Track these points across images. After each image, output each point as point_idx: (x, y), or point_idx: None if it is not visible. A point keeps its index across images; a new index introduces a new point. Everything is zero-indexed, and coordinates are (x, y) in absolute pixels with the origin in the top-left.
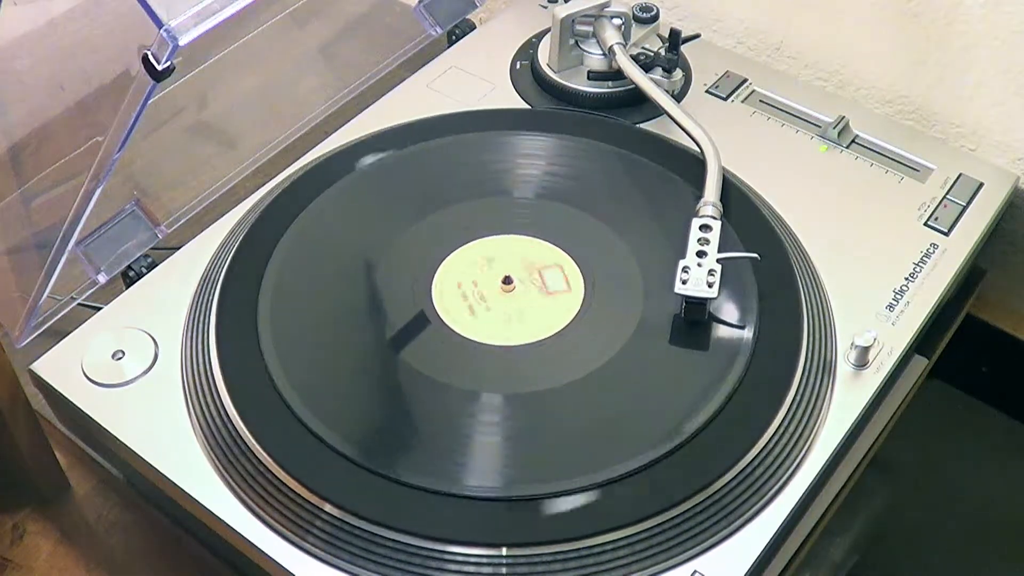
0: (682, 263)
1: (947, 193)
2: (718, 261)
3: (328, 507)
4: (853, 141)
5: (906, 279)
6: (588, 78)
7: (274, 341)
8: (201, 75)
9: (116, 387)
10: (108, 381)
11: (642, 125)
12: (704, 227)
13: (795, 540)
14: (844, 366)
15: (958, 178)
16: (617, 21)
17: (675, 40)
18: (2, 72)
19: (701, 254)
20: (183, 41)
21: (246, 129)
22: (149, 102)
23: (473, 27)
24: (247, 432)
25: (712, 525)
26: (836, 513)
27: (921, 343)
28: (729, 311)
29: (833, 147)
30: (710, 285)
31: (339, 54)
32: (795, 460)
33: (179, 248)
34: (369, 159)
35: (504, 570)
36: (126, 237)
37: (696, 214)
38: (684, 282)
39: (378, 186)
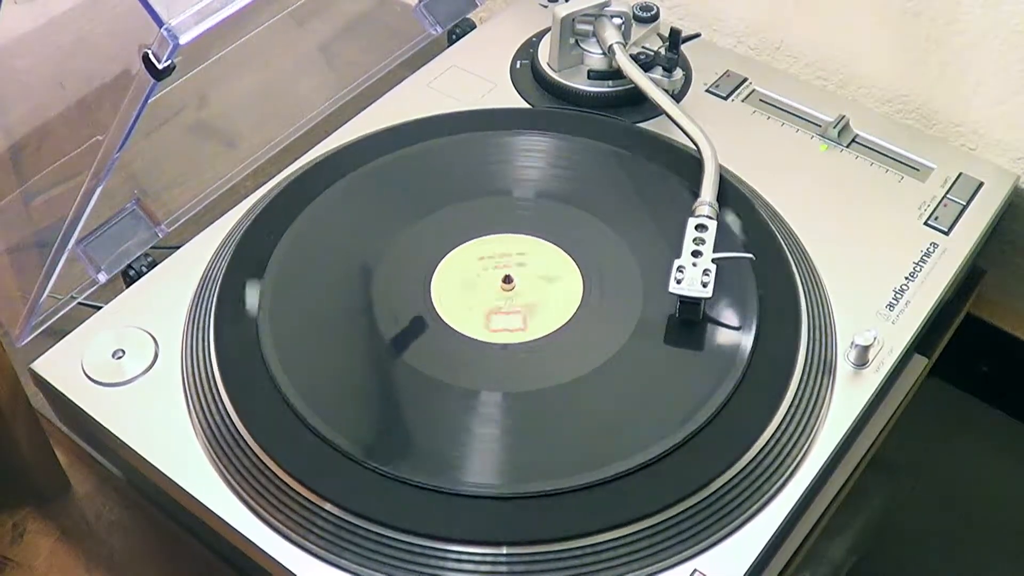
0: (677, 263)
1: (947, 192)
2: (713, 261)
3: (329, 506)
4: (853, 140)
5: (906, 278)
6: (588, 77)
7: (274, 340)
8: (201, 74)
9: (116, 386)
10: (108, 380)
11: (642, 124)
12: (700, 227)
13: (795, 539)
14: (844, 365)
15: (958, 177)
16: (617, 20)
17: (675, 39)
18: (2, 71)
19: (696, 254)
20: (184, 40)
21: (246, 128)
22: (149, 101)
23: (473, 26)
24: (247, 431)
25: (712, 524)
26: (836, 512)
27: (921, 342)
28: (729, 310)
29: (833, 146)
30: (704, 285)
31: (339, 53)
32: (795, 459)
33: (179, 247)
34: (369, 158)
35: (504, 568)
36: (126, 236)
37: (692, 214)
38: (679, 282)
39: (378, 185)
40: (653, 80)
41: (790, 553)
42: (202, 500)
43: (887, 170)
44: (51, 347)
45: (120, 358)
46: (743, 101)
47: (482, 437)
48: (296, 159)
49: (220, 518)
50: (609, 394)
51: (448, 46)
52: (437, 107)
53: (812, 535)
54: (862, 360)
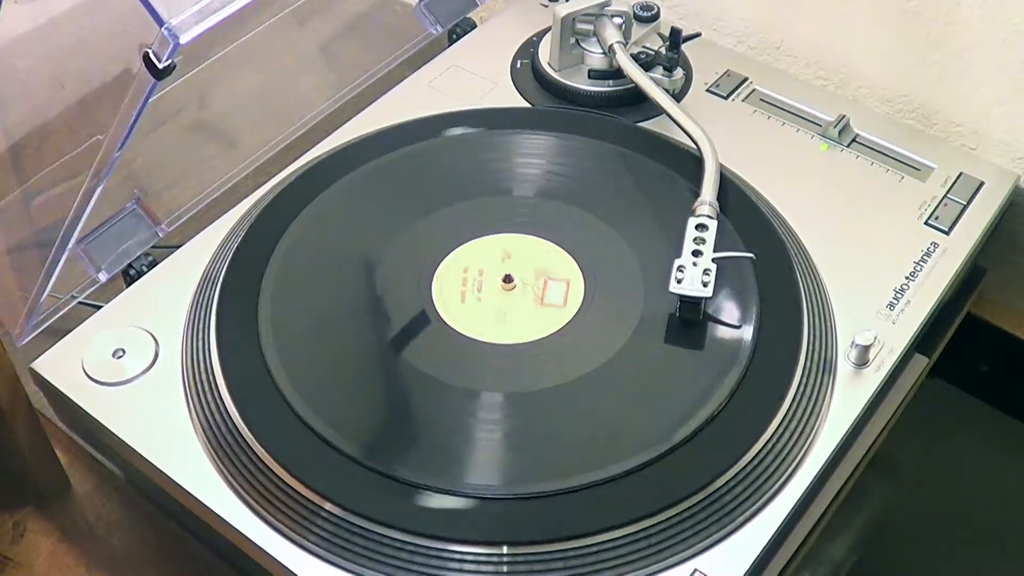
0: (677, 262)
1: (948, 192)
2: (713, 260)
3: (329, 506)
4: (854, 140)
5: (906, 278)
6: (589, 77)
7: (274, 339)
8: (202, 74)
9: (116, 385)
10: (108, 379)
11: (643, 124)
12: (700, 226)
13: (795, 539)
14: (844, 365)
15: (958, 177)
16: (618, 20)
17: (676, 39)
18: (3, 71)
19: (697, 253)
20: (184, 39)
21: (247, 128)
22: (150, 100)
23: (474, 26)
24: (247, 430)
25: (712, 524)
26: (836, 512)
27: (921, 342)
28: (730, 310)
29: (834, 146)
30: (705, 284)
31: (340, 53)
32: (795, 459)
33: (180, 247)
34: (369, 158)
35: (505, 568)
36: (127, 236)
37: (693, 213)
38: (679, 281)
39: (378, 185)
40: (653, 79)
41: (790, 553)
42: (202, 499)
43: (887, 170)
44: (51, 346)
45: (120, 357)
46: (743, 101)
47: (482, 437)
48: (296, 159)
49: (220, 517)
50: (609, 394)
51: (448, 46)
52: (437, 107)
53: (812, 535)
54: (862, 360)
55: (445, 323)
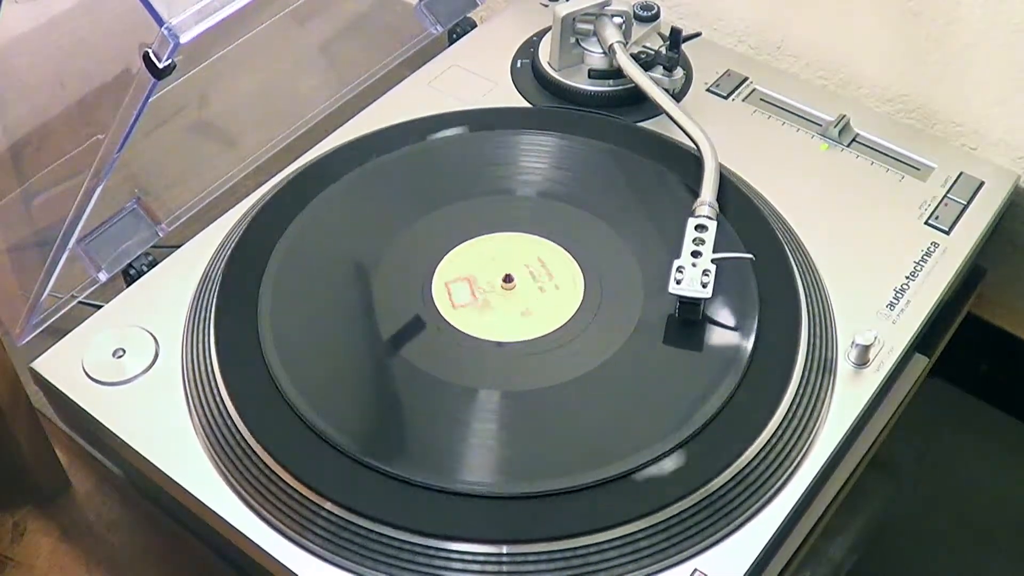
0: (676, 263)
1: (948, 192)
2: (713, 261)
3: (329, 505)
4: (854, 140)
5: (907, 278)
6: (589, 76)
7: (274, 339)
8: (202, 73)
9: (117, 385)
10: (109, 379)
11: (643, 124)
12: (700, 227)
13: (795, 539)
14: (844, 365)
15: (959, 177)
16: (618, 20)
17: (676, 39)
18: (3, 70)
19: (696, 254)
20: (184, 39)
21: (247, 127)
22: (150, 100)
23: (474, 25)
24: (247, 430)
25: (712, 524)
26: (836, 512)
27: (921, 342)
28: (730, 310)
29: (834, 146)
30: (704, 285)
31: (340, 52)
32: (795, 459)
33: (180, 246)
34: (369, 158)
35: (504, 568)
36: (127, 235)
37: (692, 213)
38: (678, 282)
39: (378, 184)
40: (653, 79)
41: (790, 553)
42: (202, 499)
43: (888, 169)
44: (52, 346)
45: (121, 357)
46: (744, 100)
47: (482, 436)
48: (296, 158)
49: (220, 517)
50: (610, 393)
51: (448, 45)
52: (437, 106)
53: (812, 535)
54: (862, 360)
55: (445, 322)
